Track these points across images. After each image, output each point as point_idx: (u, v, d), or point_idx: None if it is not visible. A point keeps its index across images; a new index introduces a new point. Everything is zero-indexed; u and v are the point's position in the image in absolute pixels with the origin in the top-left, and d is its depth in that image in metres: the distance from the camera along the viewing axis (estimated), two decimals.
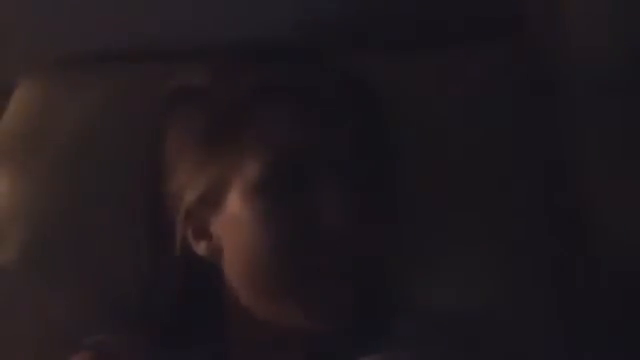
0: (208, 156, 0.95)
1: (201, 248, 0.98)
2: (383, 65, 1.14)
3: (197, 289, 0.99)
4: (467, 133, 1.13)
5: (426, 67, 1.18)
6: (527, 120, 1.16)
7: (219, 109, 0.95)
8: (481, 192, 1.10)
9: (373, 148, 0.96)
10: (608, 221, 1.13)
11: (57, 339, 1.04)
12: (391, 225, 0.95)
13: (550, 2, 1.18)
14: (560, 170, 1.15)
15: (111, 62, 1.22)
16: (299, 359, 0.96)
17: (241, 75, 0.96)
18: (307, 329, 0.93)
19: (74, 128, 1.17)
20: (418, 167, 1.09)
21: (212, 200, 0.95)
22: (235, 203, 0.94)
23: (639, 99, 1.11)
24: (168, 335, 0.98)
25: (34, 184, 1.15)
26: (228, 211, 0.95)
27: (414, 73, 1.16)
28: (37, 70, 1.24)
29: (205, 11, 1.20)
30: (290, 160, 0.92)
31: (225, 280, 0.97)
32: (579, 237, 1.12)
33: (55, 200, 1.14)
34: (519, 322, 1.04)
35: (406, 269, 1.05)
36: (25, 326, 1.09)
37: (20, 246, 1.11)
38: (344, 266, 0.91)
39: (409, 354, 0.89)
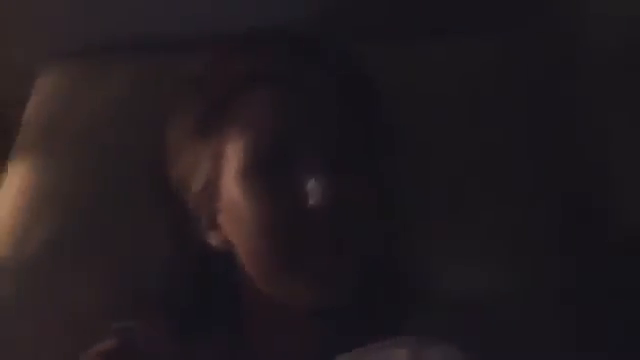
0: (202, 145, 0.97)
1: (212, 238, 0.99)
2: (382, 57, 1.14)
3: (215, 275, 1.00)
4: (468, 123, 1.15)
5: (426, 60, 1.19)
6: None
7: (208, 98, 0.97)
8: (495, 178, 1.12)
9: (359, 134, 0.96)
10: (627, 208, 1.14)
11: (83, 327, 1.06)
12: (378, 208, 0.95)
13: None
14: (575, 158, 1.16)
15: (131, 51, 1.24)
16: (314, 340, 0.97)
17: (230, 64, 0.98)
18: (313, 308, 0.95)
19: (96, 116, 1.19)
20: (432, 159, 1.12)
21: (213, 189, 0.97)
22: (228, 189, 0.95)
23: None
24: (188, 320, 1.00)
25: (58, 172, 1.18)
26: (224, 198, 0.96)
27: (414, 66, 1.18)
28: (58, 59, 1.27)
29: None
30: (272, 144, 0.93)
31: (238, 266, 0.98)
32: (598, 223, 1.13)
33: (78, 188, 1.16)
34: (534, 308, 1.05)
35: (422, 254, 1.06)
36: (52, 315, 1.10)
37: (48, 235, 1.13)
38: (335, 245, 0.92)
39: (420, 338, 0.89)
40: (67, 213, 1.14)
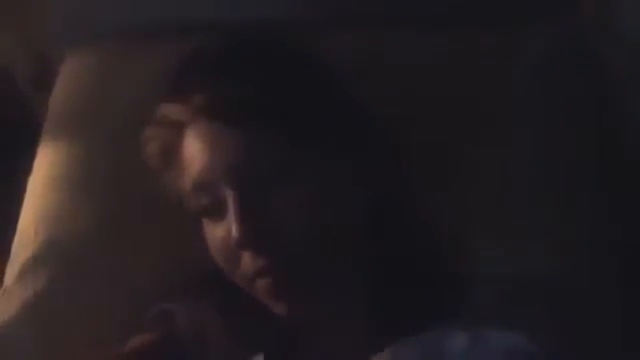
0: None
1: None
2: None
3: None
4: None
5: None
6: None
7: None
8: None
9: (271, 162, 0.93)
10: None
11: (125, 311, 1.07)
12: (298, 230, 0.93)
13: None
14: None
15: (159, 35, 1.23)
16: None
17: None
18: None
19: (125, 100, 1.19)
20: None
21: None
22: None
23: None
24: (233, 300, 1.00)
25: (92, 157, 1.18)
26: None
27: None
28: (85, 42, 1.26)
29: None
30: (202, 180, 0.94)
31: None
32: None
33: (114, 173, 1.16)
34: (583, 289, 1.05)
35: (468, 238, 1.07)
36: (105, 293, 1.11)
37: (85, 221, 1.14)
38: (270, 268, 0.92)
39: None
40: (105, 198, 1.15)
